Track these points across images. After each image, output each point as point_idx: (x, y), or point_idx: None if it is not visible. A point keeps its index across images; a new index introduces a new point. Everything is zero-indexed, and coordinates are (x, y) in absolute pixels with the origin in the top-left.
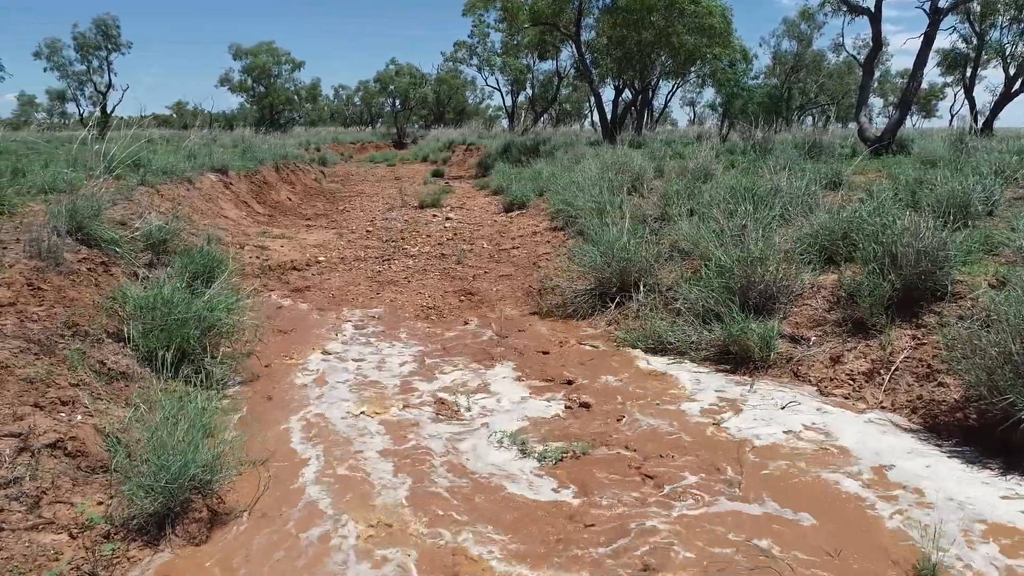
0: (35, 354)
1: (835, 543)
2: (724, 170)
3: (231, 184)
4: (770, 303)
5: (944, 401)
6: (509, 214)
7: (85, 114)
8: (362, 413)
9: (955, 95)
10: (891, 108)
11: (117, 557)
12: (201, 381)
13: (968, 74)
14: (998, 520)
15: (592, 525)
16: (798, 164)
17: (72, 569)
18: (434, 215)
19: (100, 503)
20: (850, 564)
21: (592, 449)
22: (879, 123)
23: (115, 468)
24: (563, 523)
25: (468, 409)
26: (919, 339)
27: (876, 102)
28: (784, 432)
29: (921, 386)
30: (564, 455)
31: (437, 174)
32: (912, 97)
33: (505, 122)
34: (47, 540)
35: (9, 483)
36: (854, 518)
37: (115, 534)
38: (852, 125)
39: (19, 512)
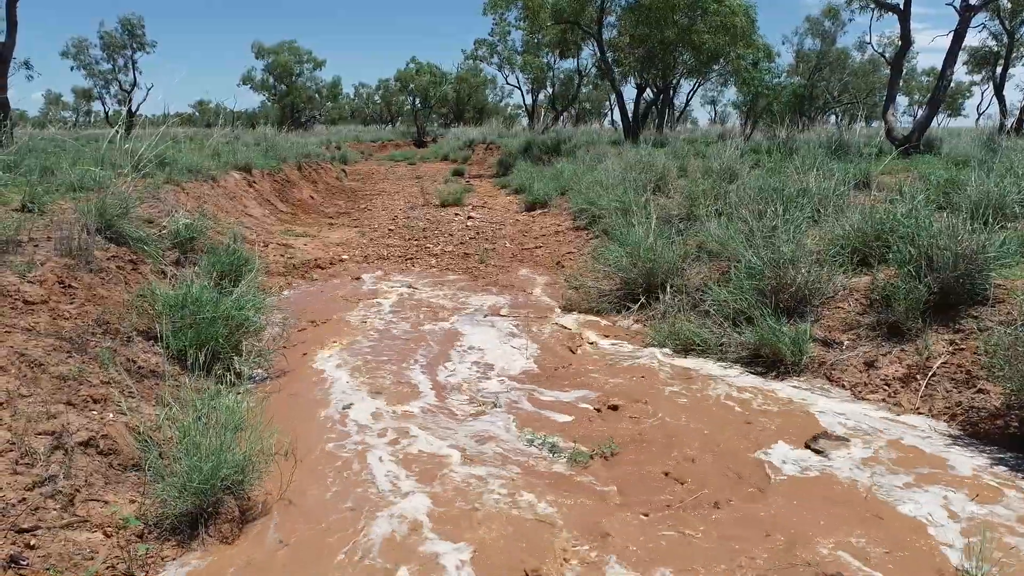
0: (67, 352)
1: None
2: (749, 170)
3: (254, 182)
4: (801, 306)
5: (984, 408)
6: (531, 213)
7: (110, 112)
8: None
9: (982, 93)
10: (916, 107)
11: (151, 557)
12: (231, 380)
13: (998, 72)
14: None
15: None
16: (825, 164)
17: (107, 568)
18: (456, 214)
19: (133, 501)
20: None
21: (621, 450)
22: (904, 122)
23: (148, 467)
24: None
25: (495, 406)
26: (957, 344)
27: (901, 101)
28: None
29: (960, 392)
30: (593, 456)
31: (458, 173)
32: (941, 95)
33: (525, 120)
34: (82, 539)
35: (44, 481)
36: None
37: (149, 534)
38: (876, 124)
39: (55, 510)
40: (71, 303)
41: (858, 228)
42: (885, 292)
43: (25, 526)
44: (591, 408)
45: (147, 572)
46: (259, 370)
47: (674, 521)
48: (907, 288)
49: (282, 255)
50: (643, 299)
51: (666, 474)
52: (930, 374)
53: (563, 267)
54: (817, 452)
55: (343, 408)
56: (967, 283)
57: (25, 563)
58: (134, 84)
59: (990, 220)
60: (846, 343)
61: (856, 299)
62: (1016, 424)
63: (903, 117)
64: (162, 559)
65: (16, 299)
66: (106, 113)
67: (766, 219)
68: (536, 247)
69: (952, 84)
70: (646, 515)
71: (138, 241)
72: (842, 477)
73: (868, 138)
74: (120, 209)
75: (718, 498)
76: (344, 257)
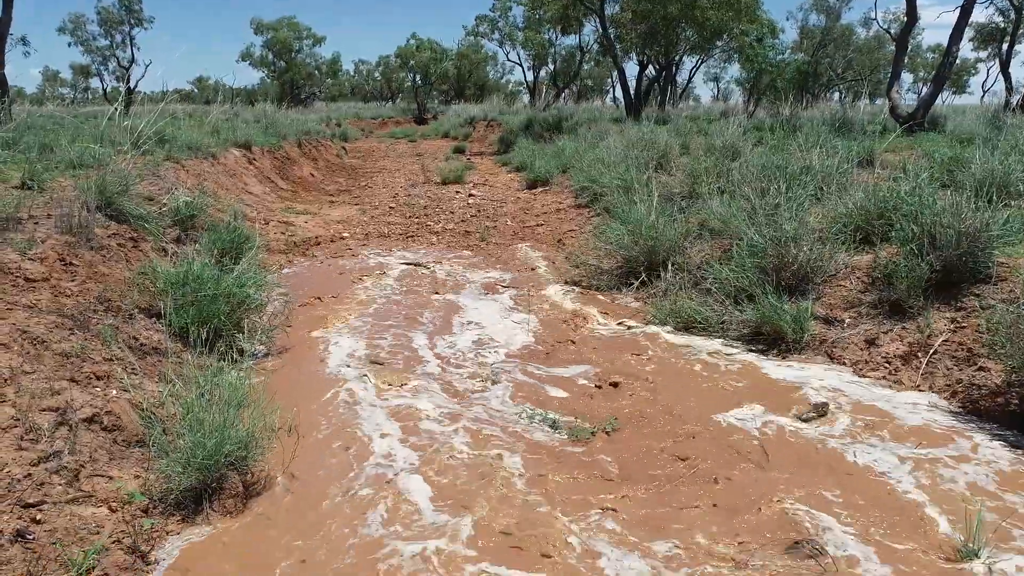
0: (69, 329)
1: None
2: (752, 147)
3: (254, 160)
4: (803, 284)
5: (985, 385)
6: (532, 191)
7: (109, 89)
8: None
9: (988, 70)
10: (921, 84)
11: (156, 531)
12: (233, 357)
13: (1004, 49)
14: None
15: None
16: (829, 141)
17: (113, 542)
18: (457, 191)
19: (137, 477)
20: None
21: (622, 426)
22: (908, 99)
23: (151, 443)
24: None
25: (494, 382)
26: (958, 322)
27: (906, 78)
28: None
29: (960, 370)
30: (594, 432)
31: (458, 150)
32: (947, 72)
33: (526, 97)
34: (88, 513)
35: (49, 457)
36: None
37: (154, 508)
38: (880, 101)
39: (60, 485)
40: (72, 280)
41: (861, 206)
42: (887, 270)
43: (31, 501)
44: (591, 385)
45: (152, 546)
46: (261, 347)
47: (674, 495)
48: (909, 266)
49: (283, 233)
50: (644, 277)
51: (665, 450)
52: (931, 352)
53: (564, 245)
54: (806, 421)
55: (345, 384)
56: (969, 261)
57: (31, 537)
58: (132, 60)
59: (994, 198)
60: (847, 321)
61: (858, 277)
62: (1017, 402)
63: (908, 94)
64: (167, 533)
65: (17, 276)
66: (104, 90)
67: (769, 197)
68: (537, 225)
69: (958, 61)
70: (647, 489)
71: (138, 219)
72: (833, 446)
73: (872, 115)
74: (120, 186)
75: (717, 473)
76: (345, 235)
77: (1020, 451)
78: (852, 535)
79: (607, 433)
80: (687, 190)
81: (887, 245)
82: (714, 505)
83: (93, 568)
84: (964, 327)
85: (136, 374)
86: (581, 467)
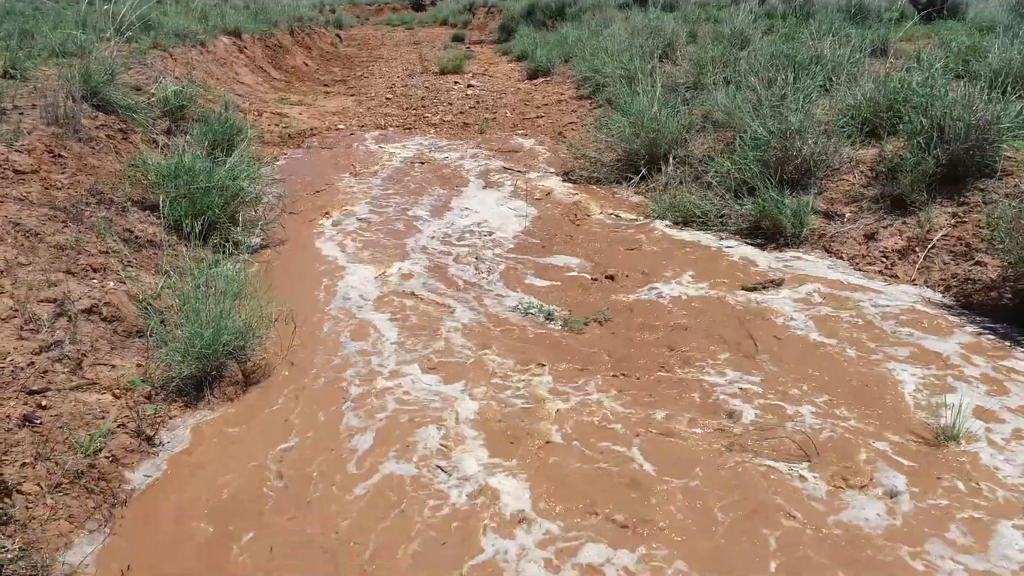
0: (63, 222)
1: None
2: (762, 36)
3: (245, 48)
4: (805, 178)
5: (979, 280)
6: (533, 81)
7: None
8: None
9: None
10: None
11: (160, 416)
12: (228, 249)
13: None
14: None
15: None
16: (842, 29)
17: (118, 427)
18: (456, 82)
19: (139, 366)
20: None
21: (614, 318)
22: None
23: (149, 334)
24: None
25: (490, 271)
26: (959, 217)
27: None
28: None
29: (957, 264)
30: (587, 323)
31: (457, 38)
32: None
33: None
34: (92, 400)
35: (50, 346)
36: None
37: (156, 395)
38: None
39: (63, 373)
40: (62, 173)
41: (870, 97)
42: (892, 164)
43: (35, 388)
44: (588, 277)
45: (157, 430)
46: (256, 239)
47: (660, 376)
48: (915, 160)
49: (276, 124)
50: (645, 170)
51: (658, 339)
52: (929, 246)
53: (565, 137)
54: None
55: (342, 273)
56: (976, 155)
57: (39, 422)
58: None
59: (1008, 90)
60: (848, 215)
61: (861, 171)
62: (1009, 296)
63: None
64: (170, 418)
65: (6, 168)
66: None
67: (776, 88)
68: (538, 116)
69: None
70: (639, 378)
71: (126, 109)
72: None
73: (890, 2)
74: (105, 75)
75: (706, 361)
76: (341, 126)
77: (988, 332)
78: (813, 412)
79: (600, 323)
80: (692, 80)
81: (894, 138)
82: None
83: (100, 450)
84: (965, 222)
85: (132, 266)
86: (575, 355)
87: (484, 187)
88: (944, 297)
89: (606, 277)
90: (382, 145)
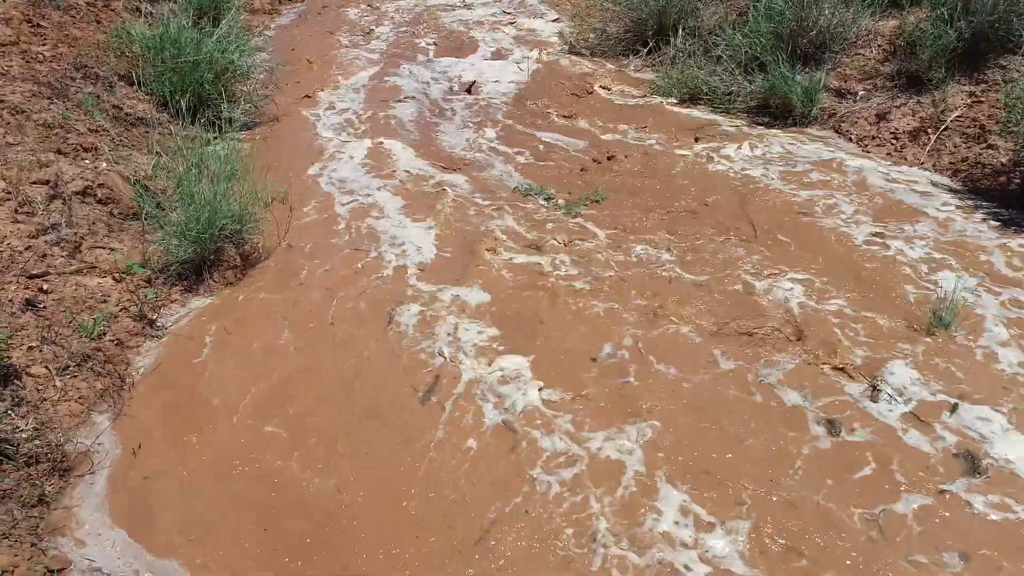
0: (48, 98)
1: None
2: None
3: None
4: (820, 52)
5: (989, 164)
6: None
7: None
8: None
9: None
10: None
11: (161, 300)
12: (220, 127)
13: None
14: None
15: None
16: None
17: (121, 310)
18: None
19: (137, 249)
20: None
21: (612, 196)
22: None
23: (145, 217)
24: None
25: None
26: (977, 96)
27: None
28: None
29: (968, 148)
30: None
31: None
32: None
33: None
34: (93, 284)
35: (47, 229)
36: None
37: (156, 279)
38: None
39: (62, 257)
40: (43, 44)
41: None
42: (912, 38)
43: (35, 272)
44: (589, 159)
45: (158, 314)
46: (249, 116)
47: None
48: (936, 33)
49: None
50: (652, 43)
51: (653, 207)
52: (942, 128)
53: (571, 4)
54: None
55: (339, 148)
56: (1001, 28)
57: (42, 306)
58: None
59: None
60: (860, 93)
61: (879, 45)
62: (1018, 181)
63: None
64: (171, 301)
65: None
66: None
67: None
68: None
69: None
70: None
71: None
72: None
73: None
74: None
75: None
76: None
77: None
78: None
79: (597, 203)
80: None
81: (916, 9)
82: None
83: (104, 334)
84: (982, 102)
85: (124, 146)
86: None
87: (484, 59)
88: (952, 181)
89: (607, 157)
90: (377, 3)
